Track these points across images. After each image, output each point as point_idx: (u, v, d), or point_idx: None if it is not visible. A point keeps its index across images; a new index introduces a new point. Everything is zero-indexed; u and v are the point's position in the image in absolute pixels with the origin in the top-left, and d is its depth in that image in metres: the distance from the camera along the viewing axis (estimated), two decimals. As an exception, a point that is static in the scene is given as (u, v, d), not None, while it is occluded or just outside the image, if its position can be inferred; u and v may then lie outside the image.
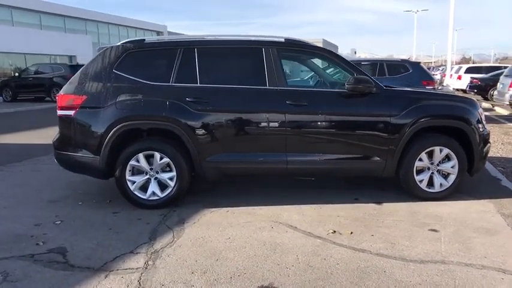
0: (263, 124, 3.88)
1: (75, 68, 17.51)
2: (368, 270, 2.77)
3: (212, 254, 3.02)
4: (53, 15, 28.76)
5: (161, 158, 3.87)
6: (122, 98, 3.81)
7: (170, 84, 3.87)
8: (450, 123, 4.02)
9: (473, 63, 43.48)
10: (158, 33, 34.36)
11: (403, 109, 3.93)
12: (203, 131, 3.83)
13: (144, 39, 4.04)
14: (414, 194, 4.14)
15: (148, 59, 4.04)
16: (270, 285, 2.60)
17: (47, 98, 17.23)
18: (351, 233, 3.38)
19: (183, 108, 3.80)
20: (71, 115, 3.86)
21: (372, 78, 3.93)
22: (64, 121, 3.92)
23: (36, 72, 17.39)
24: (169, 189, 3.93)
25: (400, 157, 3.99)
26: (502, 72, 14.99)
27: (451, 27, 15.69)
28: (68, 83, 4.01)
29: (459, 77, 18.38)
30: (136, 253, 3.05)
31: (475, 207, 3.98)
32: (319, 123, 3.91)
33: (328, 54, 4.09)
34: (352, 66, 4.05)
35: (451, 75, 19.87)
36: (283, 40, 4.06)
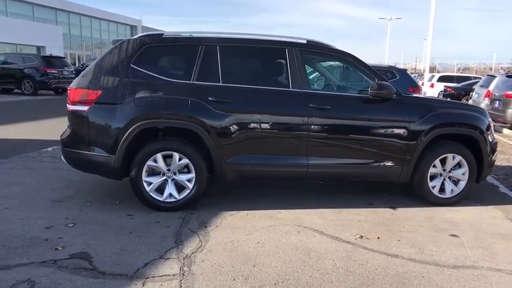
0: (286, 127, 3.83)
1: (48, 60, 16.67)
2: (407, 276, 2.79)
3: (247, 259, 2.94)
4: (20, 2, 27.24)
5: (180, 159, 3.73)
6: (141, 94, 3.63)
7: (191, 82, 3.74)
8: (464, 131, 4.14)
9: (437, 72, 45.50)
10: (132, 27, 33.39)
11: (421, 116, 4.00)
12: (225, 132, 3.72)
13: (162, 34, 3.88)
14: (427, 199, 4.23)
15: (167, 54, 3.89)
16: (316, 292, 2.56)
17: (16, 90, 16.27)
18: (378, 238, 3.40)
19: (205, 108, 3.67)
20: (84, 111, 3.64)
21: (392, 84, 3.98)
22: (76, 117, 3.69)
23: (5, 63, 16.35)
24: (187, 191, 3.79)
25: (415, 163, 4.07)
26: (473, 82, 15.79)
27: (430, 37, 16.34)
28: (80, 76, 3.77)
29: (432, 85, 19.13)
30: (167, 258, 2.90)
31: (484, 213, 4.12)
32: (341, 127, 3.91)
33: (351, 58, 4.10)
34: (373, 71, 4.08)
35: (423, 83, 20.67)
36: (305, 42, 4.02)
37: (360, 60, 4.12)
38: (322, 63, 4.87)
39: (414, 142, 3.99)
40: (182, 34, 3.92)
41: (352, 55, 4.12)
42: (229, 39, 3.92)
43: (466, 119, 4.17)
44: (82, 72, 3.85)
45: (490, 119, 4.35)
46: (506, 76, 10.65)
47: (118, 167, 3.67)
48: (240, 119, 3.74)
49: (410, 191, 4.38)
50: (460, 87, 16.00)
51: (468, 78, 18.69)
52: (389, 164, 4.03)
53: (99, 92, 3.62)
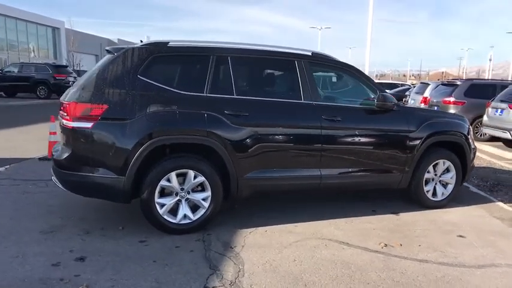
0: (301, 139, 3.80)
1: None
2: (448, 280, 2.91)
3: (294, 279, 2.83)
4: None
5: (195, 177, 3.49)
6: (153, 108, 3.33)
7: (205, 94, 3.53)
8: (453, 138, 4.48)
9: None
10: (54, 29, 30.67)
11: (418, 125, 4.24)
12: (242, 146, 3.57)
13: (168, 42, 3.60)
14: (422, 203, 4.49)
15: (177, 65, 3.62)
16: (381, 306, 2.55)
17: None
18: (401, 245, 3.50)
19: (221, 122, 3.49)
20: (88, 127, 3.22)
21: (391, 96, 4.17)
22: (78, 135, 3.25)
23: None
24: (203, 211, 3.55)
25: (413, 170, 4.30)
26: (404, 89, 17.27)
27: (369, 45, 17.55)
28: (79, 88, 3.34)
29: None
30: (213, 287, 2.68)
31: (471, 213, 4.48)
32: (351, 138, 3.98)
33: (354, 70, 4.21)
34: (374, 83, 4.24)
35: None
36: (310, 53, 4.04)
37: (362, 72, 4.26)
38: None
39: (413, 150, 4.22)
40: (190, 43, 3.68)
41: (354, 67, 4.23)
42: (240, 49, 3.77)
43: (454, 127, 4.52)
44: (79, 84, 3.42)
45: (469, 126, 4.78)
46: (442, 84, 11.81)
47: (128, 189, 3.31)
48: (257, 133, 3.61)
49: (403, 196, 4.62)
50: (393, 93, 17.40)
51: (396, 85, 20.37)
52: (393, 171, 4.20)
53: (105, 107, 3.24)
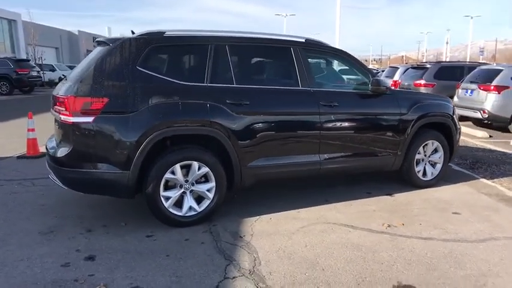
0: (301, 125, 3.81)
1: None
2: (455, 255, 3.04)
3: (310, 264, 2.87)
4: None
5: (199, 168, 3.43)
6: (155, 100, 3.23)
7: (206, 84, 3.46)
8: (441, 119, 4.65)
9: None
10: (10, 21, 28.89)
11: (409, 108, 4.37)
12: (244, 135, 3.54)
13: (164, 32, 3.48)
14: (413, 183, 4.65)
15: (176, 55, 3.52)
16: (399, 284, 2.63)
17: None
18: (403, 224, 3.62)
19: (224, 112, 3.44)
20: (89, 122, 3.08)
21: (384, 80, 4.26)
22: (79, 130, 3.10)
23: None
24: (208, 202, 3.51)
25: (406, 151, 4.43)
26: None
27: (338, 32, 17.75)
28: (76, 81, 3.17)
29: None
30: (234, 278, 2.67)
31: (459, 190, 4.69)
32: (348, 123, 4.04)
33: (347, 56, 4.25)
34: (367, 68, 4.31)
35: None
36: (303, 40, 4.04)
37: (354, 57, 4.31)
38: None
39: (405, 132, 4.35)
40: (187, 33, 3.58)
41: (347, 53, 4.28)
42: (237, 37, 3.71)
43: (442, 108, 4.69)
44: (74, 78, 3.25)
45: (454, 107, 4.97)
46: (411, 68, 12.17)
47: (133, 183, 3.22)
48: (258, 121, 3.59)
49: (393, 178, 4.77)
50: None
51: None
52: (387, 154, 4.32)
53: (106, 100, 3.10)
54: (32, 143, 6.08)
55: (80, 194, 4.19)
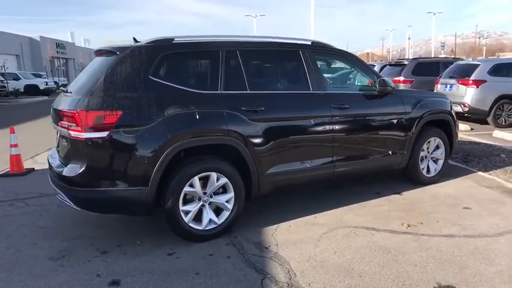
0: (315, 129, 3.76)
1: None
2: (481, 251, 3.08)
3: (346, 271, 2.82)
4: None
5: (218, 179, 3.31)
6: (171, 111, 3.07)
7: (220, 92, 3.33)
8: (442, 116, 4.74)
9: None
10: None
11: (413, 107, 4.42)
12: (261, 142, 3.44)
13: (172, 39, 3.33)
14: (419, 181, 4.71)
15: (187, 62, 3.39)
16: (439, 285, 2.63)
17: None
18: (421, 223, 3.65)
19: (240, 119, 3.33)
20: (103, 137, 2.89)
21: (389, 80, 4.28)
22: (92, 146, 2.89)
23: None
24: (228, 214, 3.39)
25: (411, 149, 4.48)
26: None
27: (313, 30, 17.93)
28: (85, 94, 2.95)
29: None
30: (273, 292, 2.57)
31: (461, 184, 4.80)
32: (358, 124, 4.04)
33: (352, 57, 4.25)
34: (372, 69, 4.32)
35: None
36: (309, 43, 3.99)
37: (360, 59, 4.31)
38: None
39: (411, 130, 4.40)
40: (196, 39, 3.44)
41: (353, 54, 4.28)
42: (246, 42, 3.61)
43: (442, 106, 4.78)
44: (82, 90, 3.04)
45: (451, 103, 5.08)
46: (389, 65, 12.45)
47: (151, 199, 3.05)
48: (274, 127, 3.51)
49: (396, 176, 4.82)
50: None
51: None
52: (394, 153, 4.35)
53: (119, 113, 2.92)
54: (16, 159, 5.71)
55: (81, 214, 3.94)
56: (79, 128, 2.87)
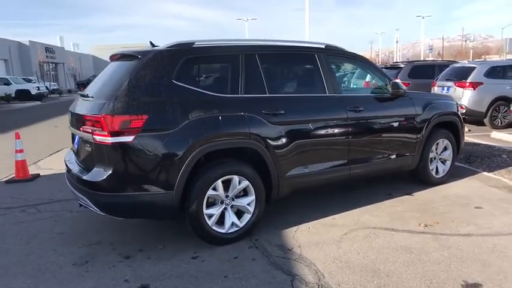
0: (332, 132, 3.81)
1: None
2: (500, 249, 3.15)
3: (372, 271, 2.86)
4: None
5: (239, 182, 3.33)
6: (195, 115, 3.08)
7: (241, 95, 3.36)
8: (451, 118, 4.84)
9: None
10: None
11: (423, 109, 4.50)
12: (281, 145, 3.48)
13: (193, 43, 3.35)
14: (428, 181, 4.79)
15: (209, 66, 3.41)
16: (466, 283, 2.68)
17: None
18: (438, 223, 3.71)
19: (261, 122, 3.36)
20: (129, 142, 2.88)
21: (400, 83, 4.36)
22: (118, 151, 2.88)
23: None
24: (249, 216, 3.41)
25: (422, 150, 4.56)
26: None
27: (307, 33, 18.09)
28: (110, 98, 2.94)
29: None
30: (305, 293, 2.60)
31: (468, 185, 4.89)
32: (372, 126, 4.10)
33: (364, 60, 4.32)
34: (382, 72, 4.39)
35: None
36: (323, 46, 4.05)
37: (371, 61, 4.38)
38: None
39: (421, 131, 4.48)
40: (216, 43, 3.46)
41: (364, 57, 4.34)
42: (265, 46, 3.65)
43: (449, 108, 4.88)
44: (106, 94, 3.02)
45: (457, 105, 5.18)
46: (384, 68, 12.59)
47: (176, 203, 3.05)
48: (293, 130, 3.55)
49: (404, 177, 4.89)
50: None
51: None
52: (406, 154, 4.42)
53: (145, 117, 2.92)
54: (22, 165, 5.65)
55: (96, 219, 3.97)
56: (105, 133, 2.86)
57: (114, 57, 3.61)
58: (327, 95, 3.83)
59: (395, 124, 4.29)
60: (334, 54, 4.12)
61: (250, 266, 2.98)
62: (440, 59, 36.81)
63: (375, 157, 4.17)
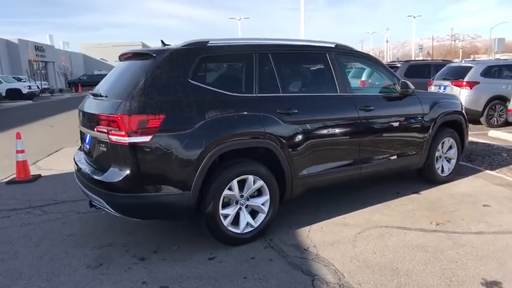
0: (344, 131, 3.80)
1: None
2: (513, 247, 3.19)
3: (392, 270, 2.86)
4: None
5: (254, 182, 3.31)
6: (211, 114, 3.05)
7: (256, 95, 3.34)
8: (456, 117, 4.88)
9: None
10: None
11: (430, 108, 4.53)
12: (295, 144, 3.47)
13: (207, 41, 3.31)
14: (435, 180, 4.82)
15: (223, 65, 3.38)
16: (485, 281, 2.70)
17: None
18: (449, 221, 3.74)
19: (275, 122, 3.34)
20: (147, 142, 2.84)
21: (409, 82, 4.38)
22: (136, 151, 2.83)
23: None
24: (263, 216, 3.40)
25: (429, 149, 4.59)
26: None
27: (303, 33, 18.11)
28: (127, 97, 2.88)
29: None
30: (327, 293, 2.59)
31: (473, 183, 4.94)
32: (383, 125, 4.11)
33: (373, 60, 4.33)
34: (391, 72, 4.41)
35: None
36: (334, 45, 4.05)
37: (380, 61, 4.39)
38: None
39: (428, 130, 4.51)
40: (230, 42, 3.43)
41: (373, 57, 4.35)
42: (277, 45, 3.63)
43: (455, 107, 4.92)
44: (122, 93, 2.97)
45: (462, 104, 5.23)
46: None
47: (193, 203, 3.02)
48: (306, 129, 3.54)
49: (409, 176, 4.92)
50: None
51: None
52: (414, 153, 4.44)
53: (162, 117, 2.88)
54: (23, 166, 5.54)
55: (105, 220, 3.94)
56: (122, 133, 2.82)
57: (124, 56, 3.56)
58: (339, 94, 3.83)
59: (404, 123, 4.31)
60: (344, 53, 4.12)
61: (268, 266, 2.97)
62: (430, 59, 37.34)
63: (385, 156, 4.19)
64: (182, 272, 2.91)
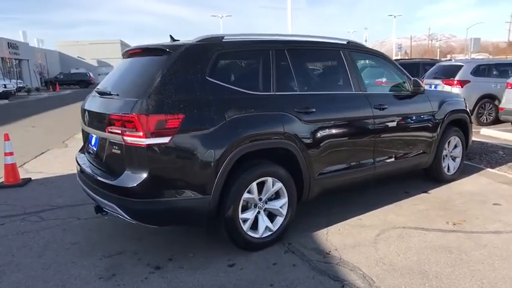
0: (360, 130, 3.72)
1: None
2: (534, 246, 3.17)
3: (420, 273, 2.79)
4: None
5: (273, 184, 3.18)
6: (231, 113, 2.89)
7: (274, 93, 3.20)
8: (462, 116, 4.88)
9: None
10: None
11: (439, 106, 4.51)
12: (313, 144, 3.35)
13: (222, 37, 3.15)
14: (441, 179, 4.81)
15: (239, 62, 3.22)
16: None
17: None
18: (464, 221, 3.70)
19: (294, 121, 3.22)
20: (165, 143, 2.66)
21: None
22: (155, 153, 2.64)
23: None
24: (281, 220, 3.27)
25: (437, 148, 4.57)
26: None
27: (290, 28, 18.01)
28: (143, 96, 2.69)
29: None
30: (361, 300, 2.49)
31: (478, 181, 4.95)
32: (396, 124, 4.04)
33: (384, 58, 4.27)
34: (401, 70, 4.35)
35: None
36: (346, 42, 3.95)
37: (391, 59, 4.32)
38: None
39: (437, 129, 4.48)
40: (245, 37, 3.27)
41: (384, 54, 4.28)
42: (293, 41, 3.50)
43: (461, 106, 4.92)
44: (136, 91, 2.77)
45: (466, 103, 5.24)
46: (370, 67, 12.72)
47: (213, 208, 2.86)
48: (324, 128, 3.43)
49: (415, 175, 4.89)
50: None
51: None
52: (423, 152, 4.41)
53: (181, 117, 2.70)
54: (12, 169, 5.23)
55: (108, 225, 3.73)
56: (139, 134, 2.62)
57: (132, 52, 3.36)
58: (354, 92, 3.73)
59: (416, 122, 4.27)
60: (357, 51, 4.03)
61: (293, 272, 2.84)
62: (407, 57, 37.98)
63: (397, 155, 4.13)
64: (203, 281, 2.75)
